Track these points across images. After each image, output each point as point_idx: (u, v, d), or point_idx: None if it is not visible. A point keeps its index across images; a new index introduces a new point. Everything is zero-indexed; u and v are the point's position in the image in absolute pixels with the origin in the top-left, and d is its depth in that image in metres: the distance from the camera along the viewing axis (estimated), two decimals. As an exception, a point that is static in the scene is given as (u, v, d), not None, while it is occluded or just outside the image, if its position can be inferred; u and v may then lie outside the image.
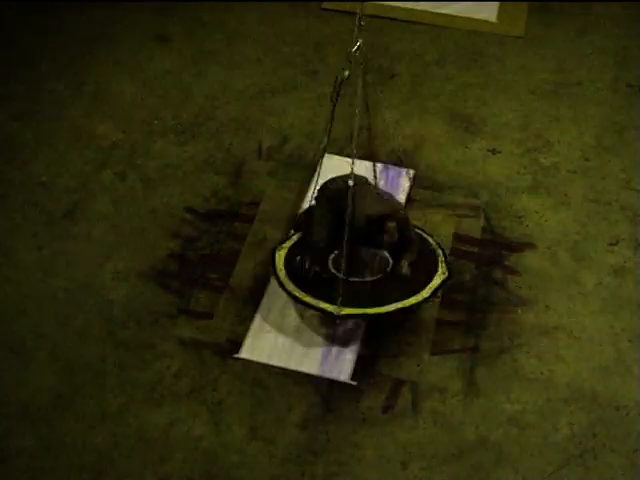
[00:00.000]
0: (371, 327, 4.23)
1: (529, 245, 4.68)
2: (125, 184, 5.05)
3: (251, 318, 4.30)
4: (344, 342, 4.17)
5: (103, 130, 5.41)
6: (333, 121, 3.92)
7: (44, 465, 3.76)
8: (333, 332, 4.20)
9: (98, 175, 5.10)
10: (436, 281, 4.11)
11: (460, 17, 6.30)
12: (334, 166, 4.40)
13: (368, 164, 4.31)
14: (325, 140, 4.09)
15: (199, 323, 4.29)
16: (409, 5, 6.38)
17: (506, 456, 3.79)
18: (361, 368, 4.09)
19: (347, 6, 5.96)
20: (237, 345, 4.19)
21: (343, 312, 3.95)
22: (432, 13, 6.34)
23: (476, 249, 4.66)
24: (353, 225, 3.92)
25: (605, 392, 4.02)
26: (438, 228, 4.71)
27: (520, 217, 4.84)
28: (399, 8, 6.36)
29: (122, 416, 3.92)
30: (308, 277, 4.10)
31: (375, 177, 4.36)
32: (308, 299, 4.03)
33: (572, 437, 3.86)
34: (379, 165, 4.96)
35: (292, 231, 4.49)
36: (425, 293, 4.05)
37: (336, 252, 4.19)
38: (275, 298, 4.36)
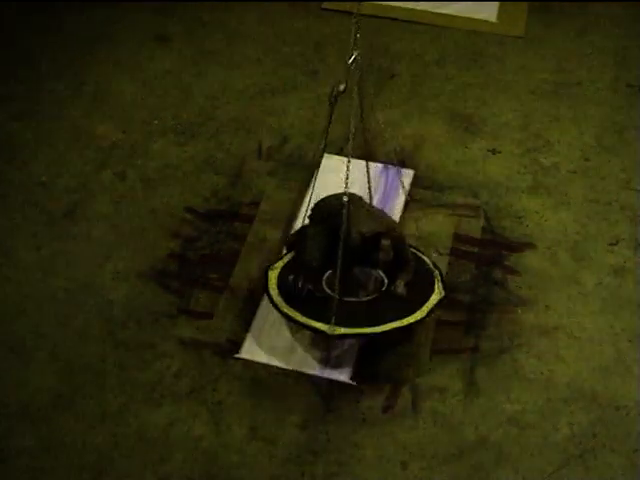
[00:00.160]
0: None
1: (529, 245, 4.68)
2: (125, 184, 5.05)
3: (251, 318, 4.30)
4: (338, 364, 4.10)
5: (103, 130, 5.41)
6: (330, 125, 3.91)
7: (44, 465, 3.76)
8: (327, 355, 4.13)
9: (98, 175, 5.10)
10: (432, 301, 4.02)
11: (460, 17, 6.30)
12: (333, 166, 4.40)
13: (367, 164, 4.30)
14: (323, 144, 4.09)
15: (199, 323, 4.29)
16: (409, 5, 6.37)
17: (506, 456, 3.79)
18: (361, 368, 4.09)
19: (347, 6, 5.93)
20: (237, 345, 4.19)
21: (337, 332, 3.84)
22: (432, 13, 6.33)
23: (476, 249, 4.65)
24: (347, 243, 3.82)
25: (605, 392, 4.02)
26: (438, 228, 4.72)
27: (520, 217, 4.84)
28: (399, 8, 6.35)
29: (122, 416, 3.92)
30: (301, 296, 4.00)
31: (369, 181, 4.31)
32: (301, 318, 3.92)
33: (572, 437, 3.86)
34: (379, 165, 4.98)
35: (285, 250, 4.40)
36: (422, 313, 3.96)
37: (330, 272, 4.07)
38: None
